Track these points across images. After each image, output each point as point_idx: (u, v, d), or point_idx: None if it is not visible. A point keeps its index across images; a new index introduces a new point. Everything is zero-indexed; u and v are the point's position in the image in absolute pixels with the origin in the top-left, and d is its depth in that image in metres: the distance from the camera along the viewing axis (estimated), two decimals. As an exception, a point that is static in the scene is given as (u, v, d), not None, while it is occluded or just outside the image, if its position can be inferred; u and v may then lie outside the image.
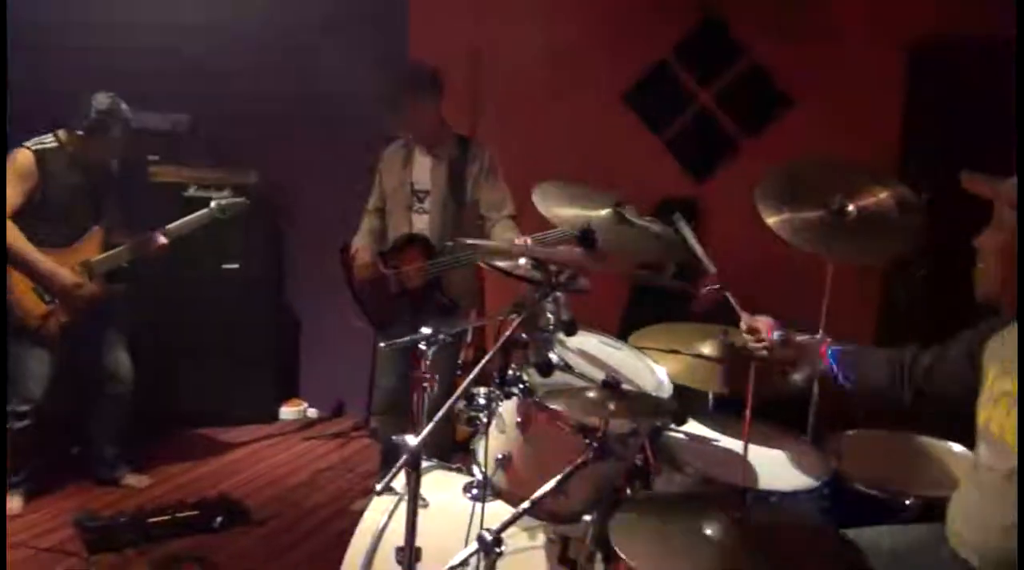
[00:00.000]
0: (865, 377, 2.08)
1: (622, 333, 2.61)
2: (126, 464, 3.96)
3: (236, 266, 4.64)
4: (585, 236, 1.87)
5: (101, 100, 3.52)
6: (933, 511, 1.96)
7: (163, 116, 4.50)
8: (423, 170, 3.58)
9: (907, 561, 1.79)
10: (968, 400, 1.83)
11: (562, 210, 2.27)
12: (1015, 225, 1.68)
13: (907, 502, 2.24)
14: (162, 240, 3.76)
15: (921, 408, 2.03)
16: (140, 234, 3.75)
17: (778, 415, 2.49)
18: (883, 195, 2.47)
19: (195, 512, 3.53)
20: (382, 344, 3.36)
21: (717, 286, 2.42)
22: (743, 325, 2.25)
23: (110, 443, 3.89)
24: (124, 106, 3.58)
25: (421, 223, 3.57)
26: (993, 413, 1.76)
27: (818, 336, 2.22)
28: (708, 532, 1.62)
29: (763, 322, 2.21)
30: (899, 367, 2.04)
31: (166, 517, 3.45)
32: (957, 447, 2.47)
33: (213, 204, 3.89)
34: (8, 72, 3.87)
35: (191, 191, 4.45)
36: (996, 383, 1.76)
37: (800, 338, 2.18)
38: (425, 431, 1.68)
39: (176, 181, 4.47)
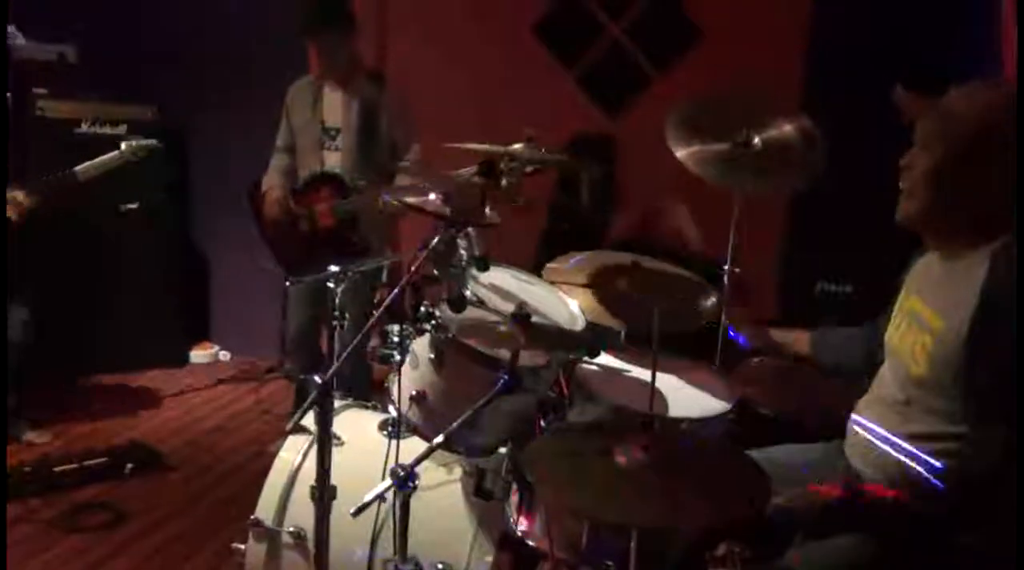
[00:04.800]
0: (844, 357, 2.11)
1: (536, 268, 2.61)
2: (24, 420, 3.74)
3: (136, 206, 4.45)
4: (486, 168, 1.85)
5: None
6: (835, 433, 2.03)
7: (46, 46, 4.22)
8: (334, 107, 3.48)
9: (807, 475, 1.87)
10: None
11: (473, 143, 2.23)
12: (945, 150, 1.65)
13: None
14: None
15: None
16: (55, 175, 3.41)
17: (689, 346, 2.54)
18: (787, 127, 2.53)
19: (103, 459, 3.43)
20: (287, 283, 3.32)
21: None
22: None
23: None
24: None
25: (332, 161, 3.48)
26: (894, 328, 1.85)
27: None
28: (620, 459, 1.65)
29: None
30: (868, 344, 2.03)
31: (72, 465, 3.34)
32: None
33: (123, 145, 3.51)
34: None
35: (83, 128, 4.21)
36: (906, 301, 1.84)
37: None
38: (333, 368, 1.66)
39: (67, 117, 4.22)
